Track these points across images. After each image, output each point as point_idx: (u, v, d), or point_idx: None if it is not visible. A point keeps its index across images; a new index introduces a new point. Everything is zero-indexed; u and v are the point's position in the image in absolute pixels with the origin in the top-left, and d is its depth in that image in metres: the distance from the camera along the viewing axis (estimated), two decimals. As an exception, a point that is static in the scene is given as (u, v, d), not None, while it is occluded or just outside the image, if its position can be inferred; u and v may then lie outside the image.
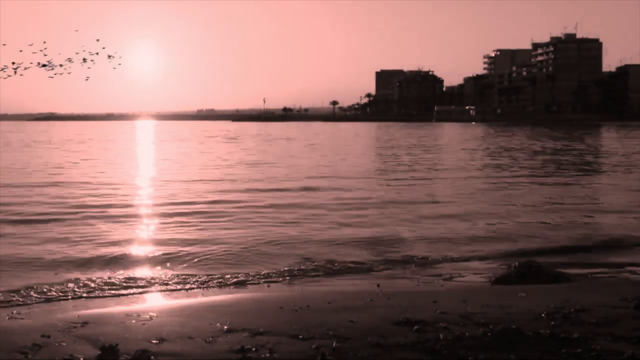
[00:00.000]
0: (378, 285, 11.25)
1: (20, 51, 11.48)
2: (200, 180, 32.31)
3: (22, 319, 9.87)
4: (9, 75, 11.46)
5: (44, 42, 11.56)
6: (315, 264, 13.73)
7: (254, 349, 8.05)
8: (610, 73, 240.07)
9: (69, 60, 11.54)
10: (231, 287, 12.07)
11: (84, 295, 11.46)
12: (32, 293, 11.52)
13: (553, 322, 9.06)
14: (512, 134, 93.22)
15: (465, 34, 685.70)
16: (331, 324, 9.06)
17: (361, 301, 10.62)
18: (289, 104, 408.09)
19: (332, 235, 16.96)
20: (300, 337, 8.55)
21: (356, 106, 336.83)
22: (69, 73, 11.59)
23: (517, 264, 12.98)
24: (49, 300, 11.14)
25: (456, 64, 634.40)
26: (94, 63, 11.69)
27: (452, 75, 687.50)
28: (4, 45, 11.69)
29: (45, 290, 11.70)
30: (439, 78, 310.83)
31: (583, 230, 17.84)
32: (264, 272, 13.08)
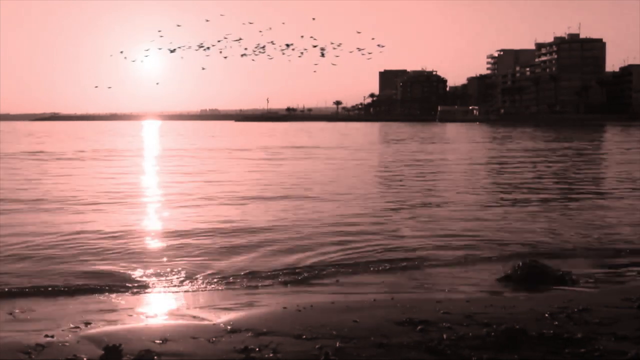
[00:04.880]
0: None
1: (244, 28, 11.96)
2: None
3: (26, 319, 9.89)
4: (254, 54, 11.98)
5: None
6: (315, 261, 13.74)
7: (257, 349, 8.06)
8: (613, 73, 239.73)
9: (289, 46, 11.99)
10: (234, 288, 12.07)
11: (88, 294, 11.46)
12: (35, 293, 11.51)
13: (556, 322, 9.05)
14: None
15: (469, 34, 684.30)
16: (334, 324, 9.06)
17: (364, 301, 10.62)
18: (292, 104, 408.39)
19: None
20: (304, 337, 8.55)
21: (359, 106, 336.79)
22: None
23: (520, 264, 12.96)
24: (52, 300, 11.13)
25: (460, 64, 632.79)
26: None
27: (456, 75, 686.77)
28: (222, 16, 12.32)
29: (48, 289, 11.70)
30: (443, 78, 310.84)
31: (587, 231, 17.82)
32: (268, 274, 13.07)
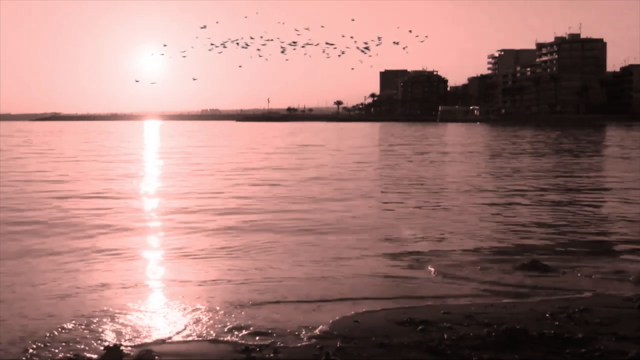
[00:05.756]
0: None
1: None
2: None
3: (27, 317, 9.89)
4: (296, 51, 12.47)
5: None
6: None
7: (258, 349, 8.06)
8: (614, 73, 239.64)
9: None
10: (235, 288, 12.05)
11: (89, 294, 11.45)
12: (36, 292, 11.50)
13: (557, 322, 9.06)
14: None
15: (470, 34, 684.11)
16: (335, 324, 9.07)
17: (365, 301, 10.63)
18: (293, 104, 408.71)
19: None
20: (305, 337, 8.56)
21: (360, 106, 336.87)
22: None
23: (521, 264, 12.96)
24: (53, 300, 11.12)
25: (460, 64, 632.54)
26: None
27: (456, 75, 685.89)
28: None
29: (49, 289, 11.70)
30: (443, 78, 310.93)
31: (588, 231, 17.81)
32: (268, 273, 13.06)
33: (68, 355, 7.95)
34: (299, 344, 8.28)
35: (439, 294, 11.20)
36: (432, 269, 13.23)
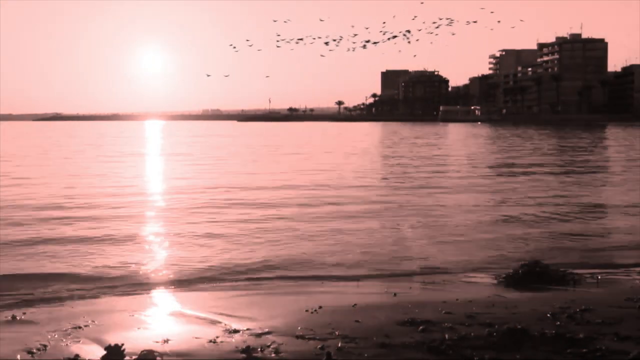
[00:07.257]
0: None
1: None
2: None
3: (29, 319, 9.89)
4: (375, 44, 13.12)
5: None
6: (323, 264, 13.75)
7: (259, 349, 8.06)
8: (615, 73, 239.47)
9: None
10: (236, 288, 12.06)
11: (90, 295, 11.46)
12: (37, 293, 11.51)
13: (558, 322, 9.05)
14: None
15: (471, 34, 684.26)
16: (337, 324, 9.06)
17: (367, 302, 10.62)
18: (294, 104, 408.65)
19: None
20: (306, 336, 8.55)
21: (362, 106, 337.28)
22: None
23: (523, 264, 12.94)
24: (55, 300, 11.13)
25: (462, 64, 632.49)
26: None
27: (458, 75, 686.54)
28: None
29: (51, 289, 11.70)
30: (445, 78, 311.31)
31: (589, 231, 17.81)
32: (268, 274, 13.07)
33: (69, 355, 7.94)
34: (300, 344, 8.27)
35: (441, 294, 11.18)
36: (434, 270, 13.22)
